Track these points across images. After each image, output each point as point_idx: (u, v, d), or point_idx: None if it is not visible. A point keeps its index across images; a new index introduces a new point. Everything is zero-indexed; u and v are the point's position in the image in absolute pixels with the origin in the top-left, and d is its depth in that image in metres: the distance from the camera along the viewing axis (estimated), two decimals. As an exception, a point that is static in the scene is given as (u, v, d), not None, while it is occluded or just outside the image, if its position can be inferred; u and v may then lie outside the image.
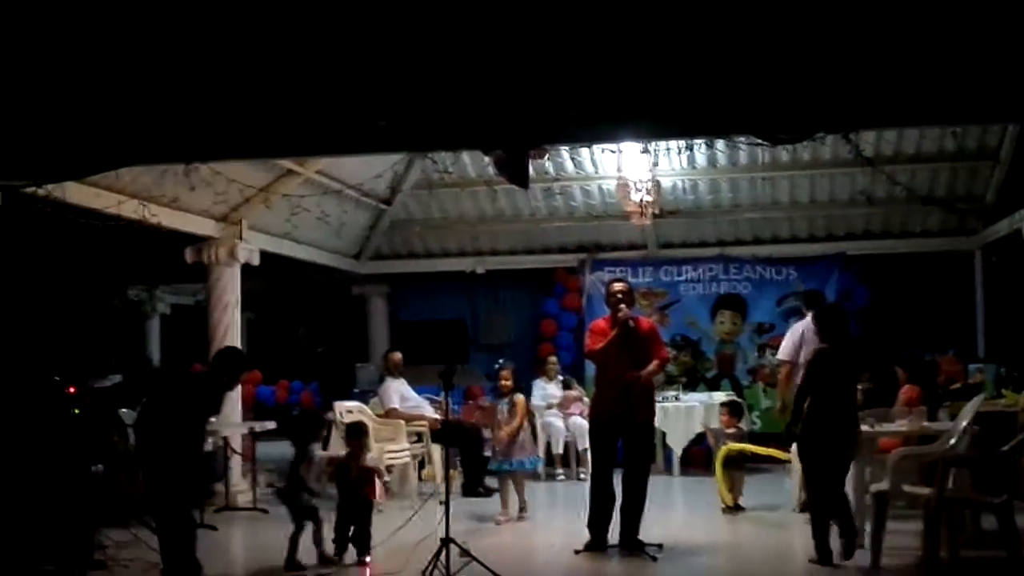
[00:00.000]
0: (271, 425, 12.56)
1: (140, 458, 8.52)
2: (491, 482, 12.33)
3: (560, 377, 15.18)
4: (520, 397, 11.02)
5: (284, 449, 13.84)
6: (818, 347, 9.11)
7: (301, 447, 9.01)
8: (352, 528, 8.87)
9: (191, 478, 8.40)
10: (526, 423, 11.10)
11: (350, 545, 8.86)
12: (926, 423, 9.45)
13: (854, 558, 8.46)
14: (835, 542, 8.48)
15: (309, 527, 8.75)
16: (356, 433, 9.53)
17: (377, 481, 9.78)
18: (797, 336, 10.86)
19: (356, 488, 9.01)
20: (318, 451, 9.36)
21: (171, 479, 8.00)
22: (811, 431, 8.72)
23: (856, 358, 9.28)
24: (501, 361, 11.43)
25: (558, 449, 14.43)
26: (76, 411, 10.14)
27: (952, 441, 8.50)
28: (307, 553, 8.69)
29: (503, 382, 11.03)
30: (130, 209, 10.71)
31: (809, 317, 10.64)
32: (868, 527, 8.63)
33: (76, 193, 9.72)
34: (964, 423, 8.61)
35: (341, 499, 9.05)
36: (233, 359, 8.76)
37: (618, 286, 9.58)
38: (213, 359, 8.93)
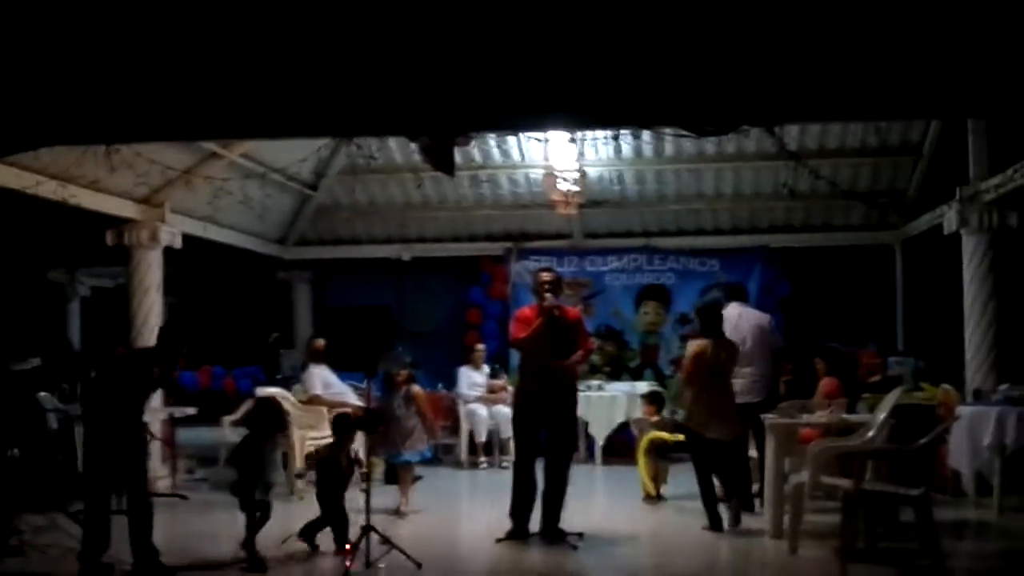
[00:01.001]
0: (191, 411, 12.45)
1: (90, 438, 8.33)
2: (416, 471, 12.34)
3: (487, 366, 15.17)
4: (417, 389, 10.87)
5: (205, 435, 13.84)
6: (698, 342, 9.96)
7: (261, 437, 8.78)
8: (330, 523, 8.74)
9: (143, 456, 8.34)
10: (428, 414, 10.96)
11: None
12: (845, 415, 9.56)
13: (773, 547, 8.63)
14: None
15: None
16: (346, 426, 9.36)
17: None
18: None
19: (343, 482, 8.87)
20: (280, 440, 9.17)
21: (129, 458, 7.94)
22: (694, 418, 9.77)
23: (732, 352, 10.02)
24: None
25: (481, 438, 14.45)
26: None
27: (871, 433, 8.60)
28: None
29: (398, 377, 10.81)
30: (49, 190, 10.55)
31: (728, 308, 10.85)
32: (787, 517, 8.72)
33: (-7, 173, 9.58)
34: (882, 416, 8.71)
35: (324, 493, 8.84)
36: (178, 334, 8.65)
37: (546, 275, 9.55)
38: (160, 332, 8.80)
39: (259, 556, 8.25)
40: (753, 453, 10.49)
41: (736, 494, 9.77)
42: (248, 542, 8.27)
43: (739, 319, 10.90)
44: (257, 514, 8.39)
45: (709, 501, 9.70)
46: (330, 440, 9.45)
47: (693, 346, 10.04)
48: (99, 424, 8.07)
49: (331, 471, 8.89)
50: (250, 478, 8.45)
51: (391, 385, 10.75)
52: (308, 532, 8.69)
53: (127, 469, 7.99)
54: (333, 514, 8.71)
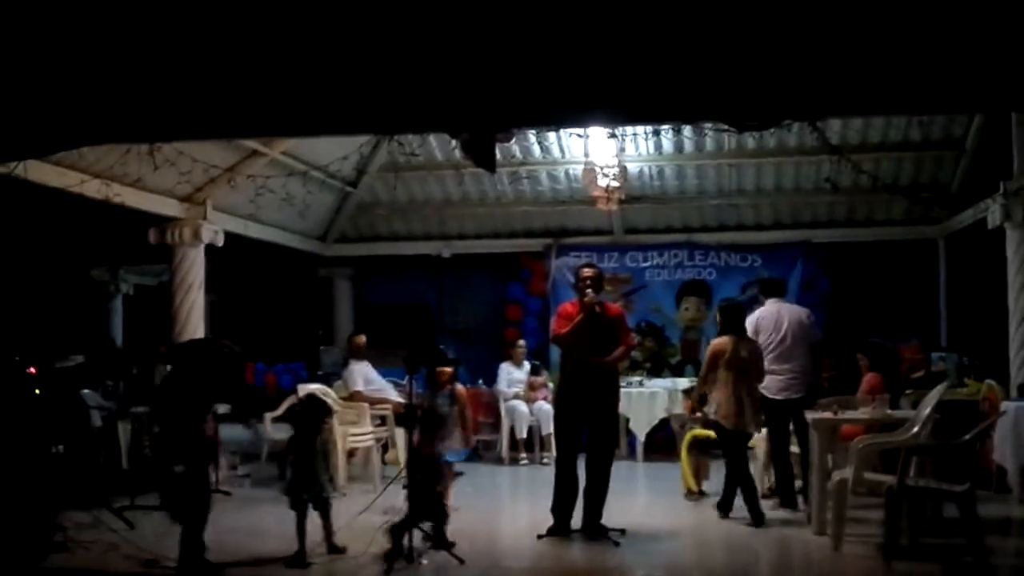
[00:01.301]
0: (233, 407, 12.49)
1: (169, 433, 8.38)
2: (457, 467, 12.40)
3: (527, 363, 15.16)
4: (460, 387, 10.78)
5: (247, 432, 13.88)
6: (717, 340, 10.21)
7: (308, 434, 8.75)
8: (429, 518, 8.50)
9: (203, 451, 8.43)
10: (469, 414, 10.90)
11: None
12: (888, 411, 9.50)
13: (816, 544, 8.64)
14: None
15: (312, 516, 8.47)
16: (435, 422, 9.25)
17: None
18: (752, 324, 10.74)
19: (430, 479, 8.71)
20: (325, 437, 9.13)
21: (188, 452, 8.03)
22: (726, 414, 9.94)
23: (753, 349, 10.20)
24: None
25: (522, 434, 14.44)
26: (37, 391, 10.04)
27: (915, 429, 8.53)
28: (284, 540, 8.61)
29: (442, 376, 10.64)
30: (93, 188, 10.63)
31: (767, 305, 10.95)
32: (830, 514, 8.69)
33: (39, 172, 9.63)
34: (926, 411, 8.64)
35: (421, 490, 8.54)
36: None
37: (587, 271, 9.55)
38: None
39: (306, 556, 8.26)
40: (795, 449, 10.46)
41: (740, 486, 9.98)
42: (301, 546, 8.29)
43: (779, 315, 10.79)
44: (316, 511, 8.43)
45: (750, 495, 9.79)
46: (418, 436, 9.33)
47: (712, 344, 10.25)
48: (168, 419, 8.18)
49: (429, 466, 8.80)
50: (299, 476, 8.46)
51: (434, 383, 10.67)
52: (398, 532, 8.49)
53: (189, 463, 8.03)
54: (432, 509, 8.61)
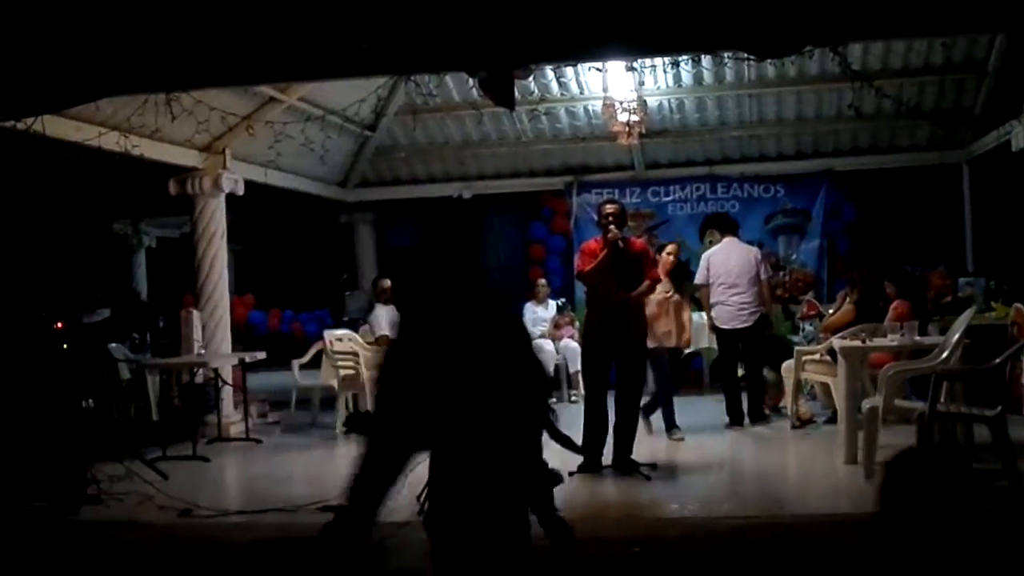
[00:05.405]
0: (261, 355, 12.51)
1: None
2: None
3: (552, 301, 15.18)
4: None
5: (275, 379, 13.95)
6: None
7: None
8: None
9: None
10: None
11: None
12: (917, 337, 9.46)
13: (848, 473, 8.69)
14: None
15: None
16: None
17: None
18: (705, 261, 12.17)
19: None
20: None
21: None
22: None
23: None
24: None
25: (549, 372, 14.42)
26: (65, 346, 10.08)
27: (944, 355, 8.50)
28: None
29: None
30: (111, 141, 10.59)
31: (722, 243, 12.25)
32: (861, 441, 8.67)
33: (56, 126, 9.58)
34: (955, 337, 8.60)
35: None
36: None
37: (609, 208, 9.51)
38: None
39: None
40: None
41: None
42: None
43: (729, 252, 12.10)
44: None
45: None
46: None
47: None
48: None
49: None
50: None
51: None
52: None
53: None
54: None
